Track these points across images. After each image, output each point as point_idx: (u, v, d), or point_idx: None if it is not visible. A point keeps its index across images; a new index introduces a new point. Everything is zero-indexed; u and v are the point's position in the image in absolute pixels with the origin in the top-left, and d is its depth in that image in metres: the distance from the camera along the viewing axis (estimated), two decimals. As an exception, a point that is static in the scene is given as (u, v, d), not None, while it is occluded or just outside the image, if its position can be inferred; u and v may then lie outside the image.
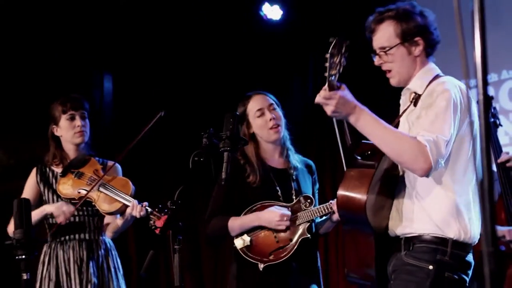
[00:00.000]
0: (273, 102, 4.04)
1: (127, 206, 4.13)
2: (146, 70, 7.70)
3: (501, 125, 4.69)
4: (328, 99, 2.82)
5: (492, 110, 4.60)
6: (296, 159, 4.06)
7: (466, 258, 2.98)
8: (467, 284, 3.01)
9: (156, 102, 7.62)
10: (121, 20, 7.18)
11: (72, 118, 4.37)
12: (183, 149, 3.88)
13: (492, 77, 6.02)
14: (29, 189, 4.44)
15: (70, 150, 4.44)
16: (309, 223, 3.87)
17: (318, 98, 2.86)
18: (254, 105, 4.01)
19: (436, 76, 3.06)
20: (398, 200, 3.05)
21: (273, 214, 3.82)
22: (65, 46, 7.32)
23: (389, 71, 3.11)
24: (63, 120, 4.38)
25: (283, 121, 4.03)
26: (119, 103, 7.67)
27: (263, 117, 3.97)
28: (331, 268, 7.01)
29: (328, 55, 2.79)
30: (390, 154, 2.90)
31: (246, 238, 3.88)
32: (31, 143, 7.86)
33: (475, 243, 3.01)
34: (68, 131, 4.38)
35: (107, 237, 4.42)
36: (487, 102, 1.57)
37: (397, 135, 2.84)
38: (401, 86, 3.15)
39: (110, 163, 4.48)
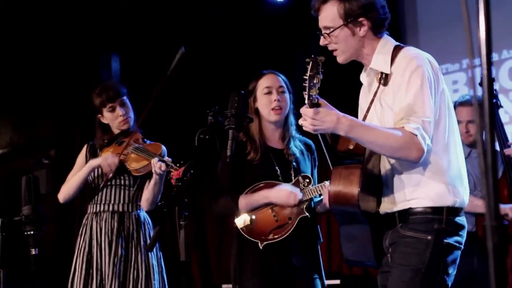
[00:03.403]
0: (284, 86, 4.06)
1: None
2: (152, 51, 7.75)
3: (502, 106, 4.72)
4: (311, 118, 2.83)
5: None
6: (296, 146, 4.09)
7: (460, 222, 3.00)
8: (464, 251, 3.03)
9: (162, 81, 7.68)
10: (128, 2, 7.22)
11: (112, 109, 4.50)
12: (189, 127, 3.92)
13: (493, 57, 6.05)
14: (79, 166, 4.60)
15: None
16: (307, 202, 3.92)
17: (301, 120, 2.88)
18: (265, 82, 4.04)
19: (397, 48, 3.05)
20: (387, 183, 3.06)
21: (283, 191, 3.87)
22: (74, 27, 7.37)
23: (335, 50, 3.09)
24: (105, 112, 4.51)
25: (287, 106, 4.05)
26: (127, 83, 7.72)
27: (269, 96, 4.00)
28: (333, 240, 7.07)
29: (307, 77, 2.81)
30: (385, 154, 2.96)
31: (247, 217, 3.91)
32: (40, 123, 7.94)
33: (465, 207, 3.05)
34: (113, 121, 4.53)
35: (143, 211, 4.51)
36: (491, 77, 1.60)
37: (387, 134, 2.84)
38: (347, 62, 3.12)
39: (154, 143, 4.60)
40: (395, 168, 3.03)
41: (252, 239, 3.88)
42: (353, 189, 2.96)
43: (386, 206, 3.07)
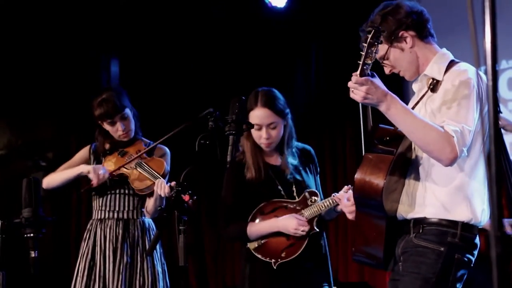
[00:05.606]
0: (275, 121, 3.93)
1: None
2: (151, 55, 7.76)
3: (501, 112, 4.76)
4: (360, 85, 2.82)
5: None
6: (293, 159, 4.04)
7: (474, 240, 3.03)
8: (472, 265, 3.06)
9: (161, 86, 7.70)
10: (128, 6, 7.23)
11: (112, 123, 4.45)
12: (189, 132, 3.92)
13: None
14: (80, 155, 4.60)
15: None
16: (317, 218, 3.92)
17: (350, 83, 2.86)
18: (255, 117, 3.91)
19: (452, 62, 3.08)
20: (409, 185, 3.08)
21: (291, 222, 3.86)
22: (73, 31, 7.37)
23: (399, 72, 3.16)
24: (105, 125, 4.47)
25: (277, 138, 3.96)
26: (125, 86, 7.72)
27: (259, 132, 3.92)
28: (331, 247, 7.06)
29: (366, 44, 2.79)
30: (418, 143, 2.94)
31: None
32: (38, 125, 7.93)
33: (481, 226, 3.06)
34: (113, 133, 4.49)
35: (147, 218, 4.50)
36: (496, 88, 1.62)
37: (426, 125, 2.85)
38: (415, 77, 3.17)
39: (159, 146, 4.55)
40: (422, 173, 3.05)
41: (264, 259, 3.89)
42: (380, 178, 2.93)
43: (403, 208, 3.08)
